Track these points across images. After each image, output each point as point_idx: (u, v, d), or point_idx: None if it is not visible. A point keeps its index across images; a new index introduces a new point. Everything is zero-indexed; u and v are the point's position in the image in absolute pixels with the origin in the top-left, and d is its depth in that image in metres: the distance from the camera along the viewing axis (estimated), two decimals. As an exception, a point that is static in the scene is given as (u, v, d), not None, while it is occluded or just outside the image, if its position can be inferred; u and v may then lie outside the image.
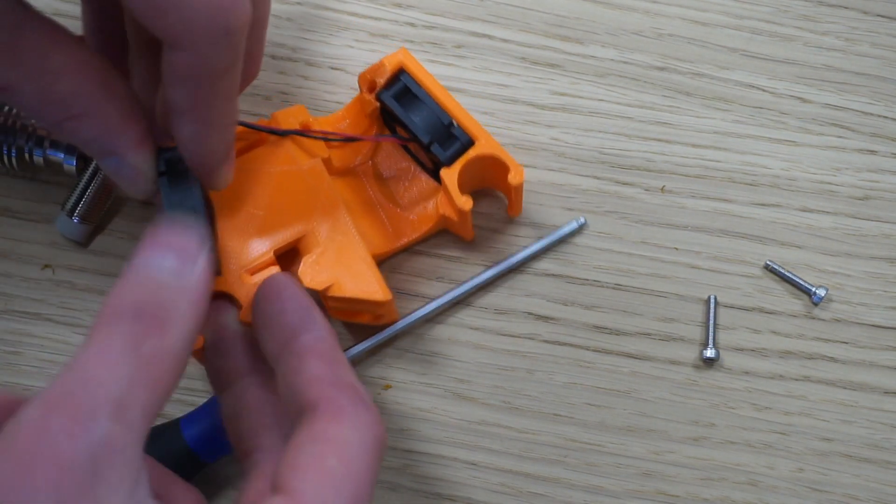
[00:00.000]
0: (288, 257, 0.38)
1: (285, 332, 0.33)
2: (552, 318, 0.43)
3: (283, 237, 0.38)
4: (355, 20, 0.46)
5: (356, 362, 0.42)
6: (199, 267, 0.30)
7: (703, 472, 0.42)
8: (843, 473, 0.42)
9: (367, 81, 0.41)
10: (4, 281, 0.43)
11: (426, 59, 0.46)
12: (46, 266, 0.43)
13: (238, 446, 0.34)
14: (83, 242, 0.43)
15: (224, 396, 0.35)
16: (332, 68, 0.45)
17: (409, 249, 0.43)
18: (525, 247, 0.43)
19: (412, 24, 0.46)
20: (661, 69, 0.46)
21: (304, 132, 0.39)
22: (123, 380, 0.27)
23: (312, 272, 0.37)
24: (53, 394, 0.26)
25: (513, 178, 0.39)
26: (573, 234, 0.43)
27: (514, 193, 0.41)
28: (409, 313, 0.42)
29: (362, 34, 0.46)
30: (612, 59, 0.46)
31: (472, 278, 0.42)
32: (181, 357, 0.29)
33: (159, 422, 0.39)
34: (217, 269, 0.36)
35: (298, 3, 0.46)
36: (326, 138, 0.40)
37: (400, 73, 0.40)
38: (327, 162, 0.40)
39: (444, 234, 0.43)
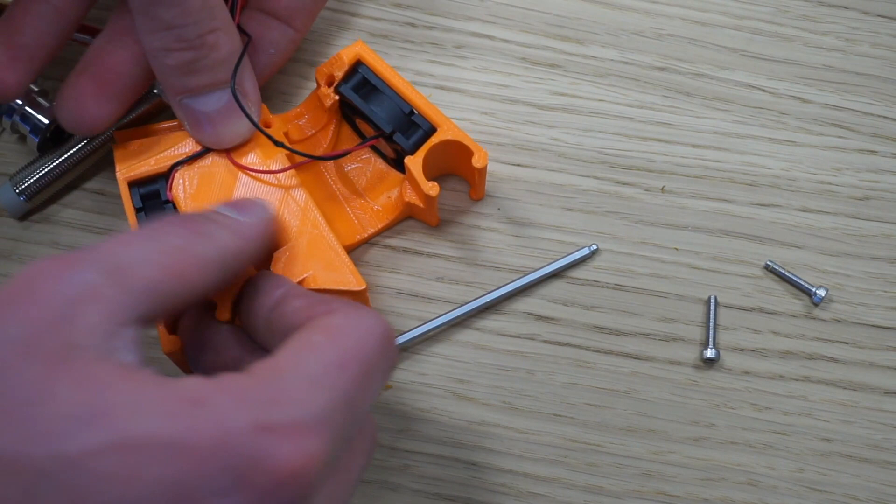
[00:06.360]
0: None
1: (267, 296, 0.34)
2: (552, 319, 0.43)
3: None
4: (355, 20, 0.46)
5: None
6: (250, 216, 0.34)
7: (703, 472, 0.42)
8: (843, 474, 0.42)
9: (324, 75, 0.41)
10: (4, 281, 0.43)
11: (426, 59, 0.46)
12: (46, 266, 0.43)
13: None
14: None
15: None
16: (332, 68, 0.45)
17: (402, 250, 0.43)
18: (535, 269, 0.43)
19: (412, 24, 0.46)
20: (661, 69, 0.46)
21: (299, 151, 0.40)
22: (133, 254, 0.30)
23: (285, 266, 0.38)
24: (60, 254, 0.29)
25: (477, 162, 0.39)
26: (584, 259, 0.43)
27: (478, 177, 0.41)
28: (414, 327, 0.42)
29: (363, 34, 0.46)
30: (612, 60, 0.46)
31: (476, 298, 0.42)
32: (209, 265, 0.31)
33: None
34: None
35: (298, 4, 0.46)
36: (322, 157, 0.41)
37: (358, 66, 0.41)
38: (290, 157, 0.40)
39: (437, 235, 0.43)
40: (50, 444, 0.26)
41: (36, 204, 0.43)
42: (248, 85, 0.38)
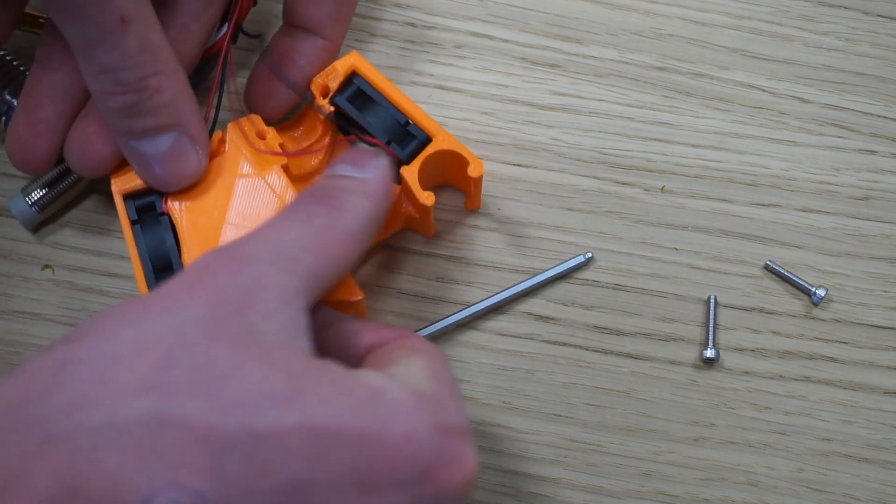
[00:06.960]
0: None
1: None
2: (552, 319, 0.43)
3: None
4: (356, 20, 0.46)
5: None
6: (372, 171, 0.35)
7: (703, 472, 0.42)
8: (843, 473, 0.42)
9: (320, 87, 0.41)
10: (4, 281, 0.43)
11: (426, 59, 0.46)
12: (46, 266, 0.43)
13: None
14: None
15: None
16: (332, 68, 0.45)
17: (411, 251, 0.43)
18: (535, 269, 0.43)
19: (412, 24, 0.46)
20: (661, 69, 0.46)
21: (293, 153, 0.40)
22: (292, 240, 0.31)
23: None
24: (224, 247, 0.30)
25: (472, 171, 0.39)
26: (579, 267, 0.43)
27: (474, 187, 0.41)
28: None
29: (363, 34, 0.46)
30: (612, 59, 0.46)
31: (473, 304, 0.42)
32: (355, 237, 0.33)
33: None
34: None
35: (298, 3, 0.46)
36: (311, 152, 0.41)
37: (353, 77, 0.41)
38: (286, 168, 0.40)
39: (437, 235, 0.43)
40: (241, 417, 0.26)
41: (49, 214, 0.43)
42: (195, 126, 0.37)
